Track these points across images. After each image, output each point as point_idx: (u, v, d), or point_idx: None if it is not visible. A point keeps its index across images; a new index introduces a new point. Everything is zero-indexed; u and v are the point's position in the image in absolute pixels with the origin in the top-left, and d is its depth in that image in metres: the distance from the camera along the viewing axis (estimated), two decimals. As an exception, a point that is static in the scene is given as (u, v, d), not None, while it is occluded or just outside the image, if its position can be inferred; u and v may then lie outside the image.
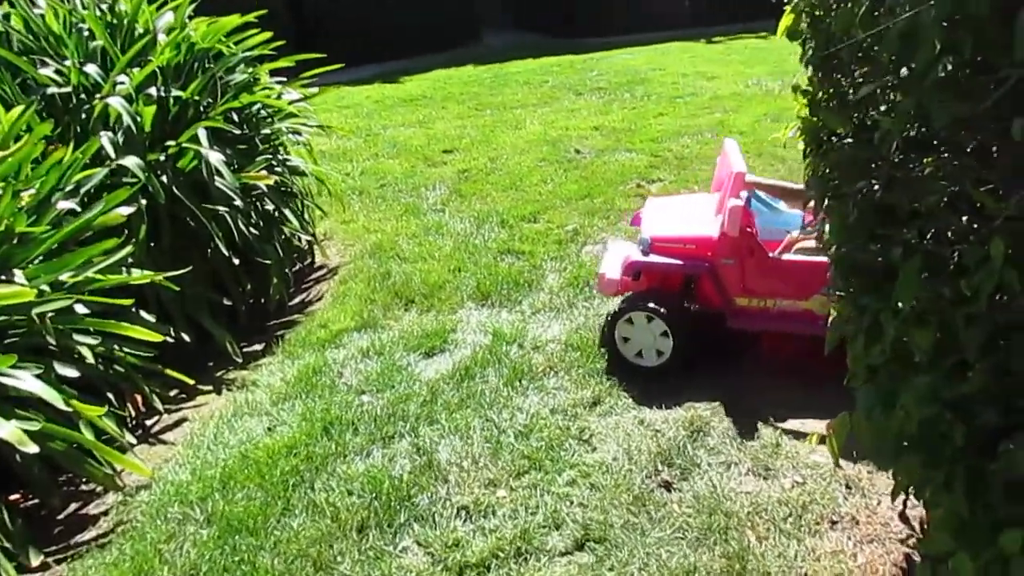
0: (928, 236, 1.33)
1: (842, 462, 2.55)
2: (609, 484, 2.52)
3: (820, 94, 1.71)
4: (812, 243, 3.08)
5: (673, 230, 3.19)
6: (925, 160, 1.31)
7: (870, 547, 2.25)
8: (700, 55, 10.67)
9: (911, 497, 1.93)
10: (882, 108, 1.40)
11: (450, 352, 3.38)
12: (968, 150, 1.25)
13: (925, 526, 2.32)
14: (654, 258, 3.13)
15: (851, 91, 1.52)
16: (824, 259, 2.87)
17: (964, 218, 1.30)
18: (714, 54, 10.62)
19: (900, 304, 1.51)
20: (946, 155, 1.30)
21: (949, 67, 1.20)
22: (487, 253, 4.34)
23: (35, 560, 2.22)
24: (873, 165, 1.59)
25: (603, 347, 3.29)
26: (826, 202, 1.72)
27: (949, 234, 1.31)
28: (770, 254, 3.06)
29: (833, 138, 1.72)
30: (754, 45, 11.08)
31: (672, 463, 2.62)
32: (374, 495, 2.51)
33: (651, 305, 3.06)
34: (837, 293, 1.70)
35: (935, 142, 1.28)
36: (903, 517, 2.35)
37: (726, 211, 2.97)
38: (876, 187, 1.43)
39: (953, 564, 1.52)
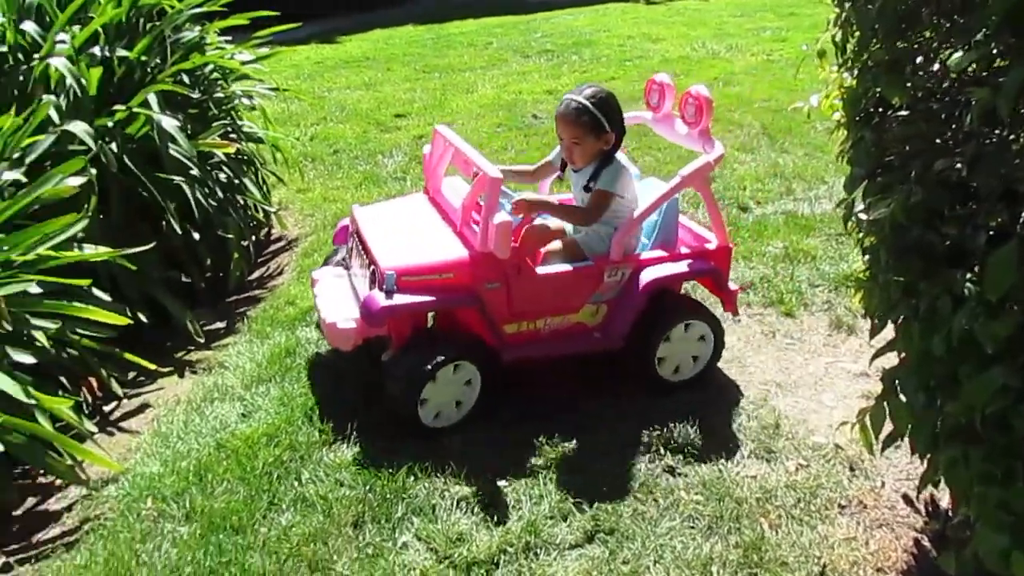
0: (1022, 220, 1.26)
1: (841, 443, 2.54)
2: (611, 470, 2.43)
3: (867, 58, 1.60)
4: (558, 245, 2.79)
5: (419, 256, 2.55)
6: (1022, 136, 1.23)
7: (880, 532, 2.23)
8: (642, 17, 10.57)
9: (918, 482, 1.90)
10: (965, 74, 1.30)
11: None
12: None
13: (931, 508, 2.33)
14: (404, 298, 2.45)
15: (924, 56, 1.42)
16: (585, 264, 2.69)
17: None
18: (656, 16, 10.54)
19: (967, 292, 1.45)
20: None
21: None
22: (456, 225, 4.16)
23: (-6, 561, 1.99)
24: (938, 140, 1.51)
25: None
26: (877, 179, 1.63)
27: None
28: (537, 269, 2.65)
29: (885, 109, 1.63)
30: (693, 7, 11.05)
31: (675, 448, 2.55)
32: (367, 487, 2.35)
33: (467, 353, 2.54)
34: (892, 276, 1.61)
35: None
36: (907, 500, 2.35)
37: (492, 228, 2.45)
38: (958, 164, 1.34)
39: (1013, 561, 1.48)
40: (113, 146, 2.97)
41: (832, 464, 2.48)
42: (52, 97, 2.87)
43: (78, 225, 2.51)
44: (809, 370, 2.98)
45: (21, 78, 3.01)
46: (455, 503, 2.30)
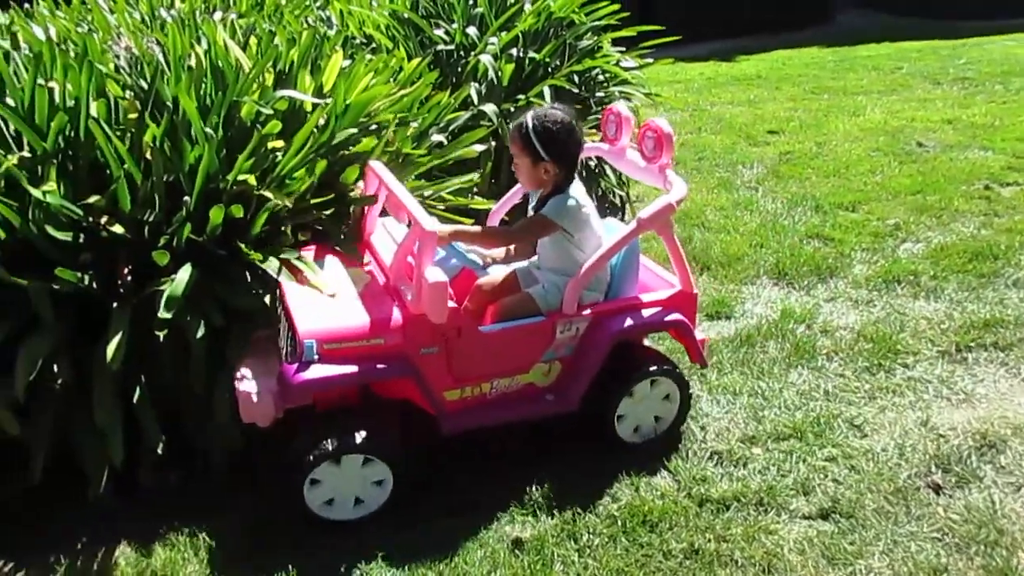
0: None
1: None
2: (871, 471, 2.49)
3: None
4: (511, 300, 2.51)
5: (344, 320, 2.24)
6: None
7: None
8: None
9: None
10: None
11: (735, 319, 3.49)
12: None
13: None
14: (326, 369, 2.15)
15: None
16: (535, 319, 2.42)
17: None
18: None
19: None
20: None
21: None
22: (793, 234, 4.30)
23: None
24: None
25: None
26: None
27: None
28: (481, 327, 2.39)
29: None
30: None
31: (949, 469, 2.50)
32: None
33: (370, 445, 2.22)
34: None
35: None
36: None
37: (425, 287, 2.12)
38: None
39: None
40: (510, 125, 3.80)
41: None
42: (476, 84, 3.79)
43: (469, 177, 3.33)
44: None
45: (460, 69, 4.01)
46: (708, 455, 2.60)
